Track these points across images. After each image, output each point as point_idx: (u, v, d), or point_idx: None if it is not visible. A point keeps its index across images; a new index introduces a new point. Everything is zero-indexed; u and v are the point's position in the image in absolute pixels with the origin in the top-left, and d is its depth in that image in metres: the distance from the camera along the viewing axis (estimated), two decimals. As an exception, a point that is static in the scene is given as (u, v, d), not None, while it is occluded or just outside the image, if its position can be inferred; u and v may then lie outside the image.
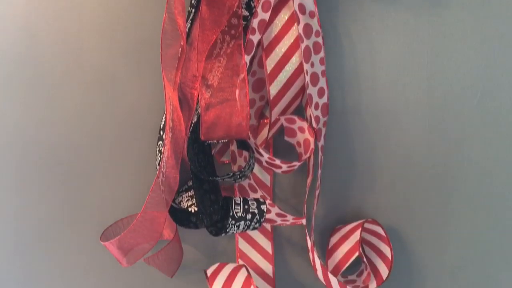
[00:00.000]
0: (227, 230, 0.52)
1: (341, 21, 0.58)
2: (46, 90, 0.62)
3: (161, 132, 0.58)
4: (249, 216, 0.53)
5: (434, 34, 0.57)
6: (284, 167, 0.54)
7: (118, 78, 0.61)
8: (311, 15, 0.54)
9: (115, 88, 0.61)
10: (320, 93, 0.56)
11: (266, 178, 0.61)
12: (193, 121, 0.53)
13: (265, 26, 0.53)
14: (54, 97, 0.62)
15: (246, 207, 0.53)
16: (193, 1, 0.55)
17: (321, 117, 0.56)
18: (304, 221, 0.55)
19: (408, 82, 0.58)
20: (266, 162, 0.54)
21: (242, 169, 0.52)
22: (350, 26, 0.58)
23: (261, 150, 0.52)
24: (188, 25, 0.55)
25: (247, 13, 0.55)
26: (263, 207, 0.54)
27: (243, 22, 0.54)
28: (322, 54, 0.55)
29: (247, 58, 0.52)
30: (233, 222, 0.52)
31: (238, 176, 0.52)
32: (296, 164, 0.54)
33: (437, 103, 0.59)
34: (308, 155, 0.54)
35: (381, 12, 0.58)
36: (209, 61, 0.51)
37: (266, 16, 0.53)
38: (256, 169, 0.60)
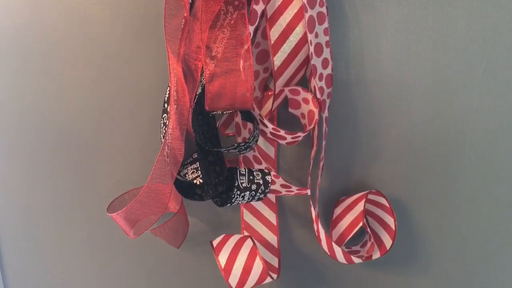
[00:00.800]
0: (233, 200, 0.52)
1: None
2: (51, 64, 0.62)
3: (165, 105, 0.58)
4: (254, 187, 0.53)
5: (439, 4, 0.57)
6: (289, 138, 0.54)
7: (122, 50, 0.60)
8: (315, -16, 0.53)
9: (119, 60, 0.61)
10: (324, 64, 0.55)
11: (271, 150, 0.61)
12: (198, 93, 0.53)
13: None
14: (58, 71, 0.62)
15: (251, 177, 0.53)
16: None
17: (325, 88, 0.56)
18: (308, 192, 0.56)
19: (412, 51, 0.58)
20: (271, 133, 0.54)
21: (247, 140, 0.52)
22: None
23: (265, 121, 0.52)
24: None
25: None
26: (268, 177, 0.54)
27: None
28: (326, 24, 0.55)
29: (251, 29, 0.52)
30: (238, 192, 0.52)
31: (243, 147, 0.52)
32: (301, 135, 0.54)
33: (442, 72, 0.58)
34: (312, 126, 0.54)
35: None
36: (212, 31, 0.51)
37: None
38: (261, 141, 0.60)
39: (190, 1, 0.54)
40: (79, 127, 0.64)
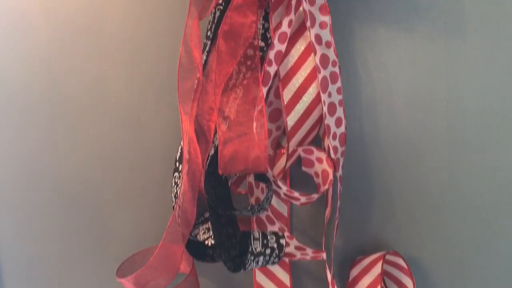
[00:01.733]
0: (246, 266, 0.51)
1: (357, 49, 0.58)
2: (65, 120, 0.62)
3: (177, 164, 0.57)
4: (268, 251, 0.51)
5: (451, 62, 0.57)
6: (303, 199, 0.53)
7: (137, 111, 0.60)
8: (328, 45, 0.54)
9: (133, 120, 0.61)
10: (338, 123, 0.55)
11: (284, 209, 0.60)
12: (210, 154, 0.53)
13: (281, 57, 0.53)
14: (70, 127, 0.62)
15: (265, 242, 0.52)
16: (208, 33, 0.55)
17: (339, 147, 0.55)
18: (324, 256, 0.54)
19: (426, 111, 0.57)
20: (284, 194, 0.53)
21: (260, 203, 0.51)
22: (366, 54, 0.58)
23: (279, 183, 0.51)
24: (204, 57, 0.54)
25: (262, 44, 0.55)
26: (282, 241, 0.52)
27: (259, 52, 0.54)
28: (339, 83, 0.55)
29: (264, 90, 0.52)
30: (252, 258, 0.51)
31: (256, 210, 0.51)
32: (315, 196, 0.53)
33: (457, 132, 0.57)
34: (326, 187, 0.53)
35: (397, 40, 0.57)
36: (225, 93, 0.50)
37: (283, 47, 0.52)
38: (274, 200, 0.59)
39: (203, 62, 0.54)
40: (89, 185, 0.63)
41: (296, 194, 0.52)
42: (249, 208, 0.51)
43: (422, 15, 0.57)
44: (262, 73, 0.51)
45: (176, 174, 0.57)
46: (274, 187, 0.53)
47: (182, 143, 0.52)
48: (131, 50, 0.59)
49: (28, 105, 0.62)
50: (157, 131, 0.60)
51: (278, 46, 0.52)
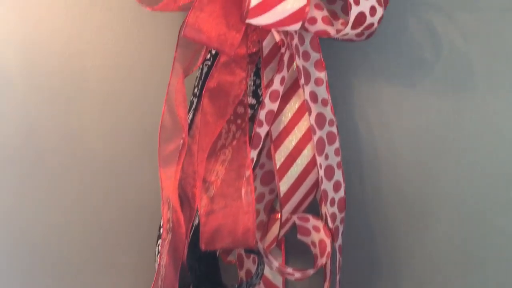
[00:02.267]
0: None
1: (357, 106, 0.53)
2: (42, 177, 0.57)
3: (161, 230, 0.52)
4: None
5: (460, 120, 0.52)
6: (297, 275, 0.48)
7: (118, 169, 0.56)
8: (324, 103, 0.49)
9: (114, 179, 0.56)
10: (336, 187, 0.50)
11: (279, 280, 0.54)
12: (195, 223, 0.48)
13: (273, 117, 0.48)
14: (52, 187, 0.57)
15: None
16: (195, 90, 0.51)
17: (337, 213, 0.50)
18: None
19: (433, 172, 0.53)
20: (277, 269, 0.48)
21: (250, 279, 0.46)
22: (367, 112, 0.53)
23: (270, 257, 0.46)
24: (190, 116, 0.50)
25: (254, 101, 0.51)
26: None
27: (249, 110, 0.50)
28: (337, 144, 0.50)
29: (253, 153, 0.47)
30: None
31: (245, 287, 0.46)
32: (311, 271, 0.47)
33: (468, 194, 0.52)
34: (324, 260, 0.48)
35: (400, 96, 0.53)
36: (212, 157, 0.46)
37: (275, 106, 0.48)
38: (267, 270, 0.54)
39: (189, 121, 0.50)
40: (69, 247, 0.58)
41: (289, 269, 0.47)
42: (236, 286, 0.45)
43: (427, 70, 0.52)
44: (252, 134, 0.47)
45: (159, 241, 0.52)
46: (266, 260, 0.48)
47: (162, 212, 0.47)
48: (113, 104, 0.55)
49: (2, 160, 0.58)
50: (139, 191, 0.55)
51: (270, 105, 0.47)
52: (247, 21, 0.39)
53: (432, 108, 0.53)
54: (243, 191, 0.44)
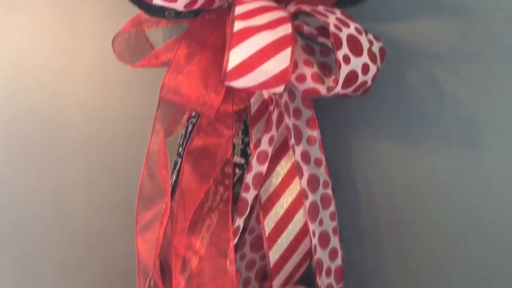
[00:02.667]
0: None
1: (355, 165, 0.49)
2: (28, 247, 0.54)
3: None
4: None
5: (468, 180, 0.47)
6: None
7: (99, 231, 0.52)
8: (317, 163, 0.46)
9: (101, 245, 0.52)
10: (332, 255, 0.46)
11: None
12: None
13: (261, 180, 0.44)
14: (35, 254, 0.54)
15: None
16: (180, 150, 0.47)
17: (334, 284, 0.46)
18: None
19: (440, 238, 0.48)
20: None
21: None
22: (366, 171, 0.49)
23: None
24: (174, 177, 0.47)
25: (243, 161, 0.47)
26: None
27: (238, 170, 0.46)
28: (332, 207, 0.46)
29: (240, 221, 0.43)
30: None
31: None
32: None
33: (479, 262, 0.47)
34: None
35: (401, 153, 0.49)
36: (195, 228, 0.42)
37: (263, 168, 0.44)
38: None
39: (172, 183, 0.46)
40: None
41: None
42: None
43: (430, 124, 0.48)
44: (238, 200, 0.43)
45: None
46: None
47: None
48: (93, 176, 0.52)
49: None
50: (121, 257, 0.51)
51: (257, 167, 0.44)
52: (226, 83, 0.36)
53: (436, 165, 0.48)
54: (223, 269, 0.40)
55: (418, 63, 0.49)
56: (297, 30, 0.41)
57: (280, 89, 0.35)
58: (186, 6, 0.39)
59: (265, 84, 0.35)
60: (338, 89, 0.38)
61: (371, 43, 0.43)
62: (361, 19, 0.47)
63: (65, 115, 0.53)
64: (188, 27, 0.41)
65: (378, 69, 0.43)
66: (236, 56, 0.34)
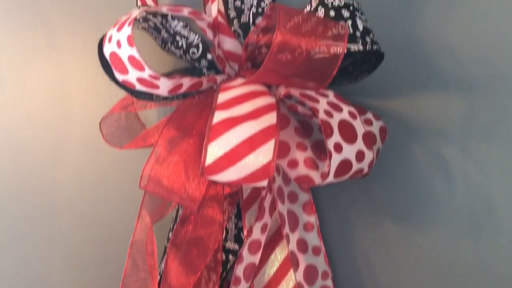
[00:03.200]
0: None
1: (357, 249, 0.45)
2: None
3: None
4: None
5: (476, 261, 0.43)
6: None
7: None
8: (316, 251, 0.42)
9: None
10: None
11: None
12: None
13: (254, 271, 0.41)
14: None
15: None
16: (169, 235, 0.45)
17: None
18: None
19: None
20: None
21: None
22: (369, 255, 0.45)
23: None
24: (163, 266, 0.44)
25: (236, 247, 0.44)
26: None
27: (232, 257, 0.43)
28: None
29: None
30: None
31: None
32: None
33: None
34: None
35: (409, 237, 0.45)
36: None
37: (255, 258, 0.41)
38: None
39: (161, 272, 0.43)
40: None
41: None
42: None
43: (440, 207, 0.45)
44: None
45: None
46: None
47: None
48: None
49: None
50: None
51: (249, 258, 0.41)
52: (208, 178, 0.33)
53: (448, 249, 0.44)
54: None
55: (425, 141, 0.46)
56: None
57: (263, 183, 0.33)
58: (170, 91, 0.37)
59: (248, 179, 0.33)
60: (331, 178, 0.35)
61: (369, 123, 0.41)
62: (362, 95, 0.45)
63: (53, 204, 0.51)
64: (174, 110, 0.39)
65: (377, 152, 0.40)
66: (214, 149, 0.32)
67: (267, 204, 0.41)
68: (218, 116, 0.33)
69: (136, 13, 0.34)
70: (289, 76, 0.34)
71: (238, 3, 0.42)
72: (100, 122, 0.43)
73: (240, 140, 0.32)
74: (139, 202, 0.43)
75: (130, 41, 0.33)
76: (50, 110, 0.48)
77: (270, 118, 0.33)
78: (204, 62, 0.42)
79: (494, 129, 0.44)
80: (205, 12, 0.43)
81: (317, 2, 0.38)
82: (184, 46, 0.42)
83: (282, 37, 0.31)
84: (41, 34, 0.48)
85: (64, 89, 0.48)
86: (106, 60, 0.36)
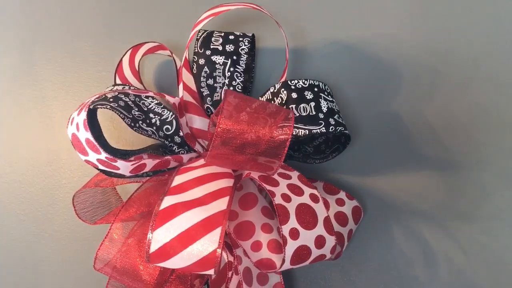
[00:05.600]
0: None
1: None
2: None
3: None
4: None
5: None
6: None
7: None
8: None
9: None
10: None
11: None
12: None
13: None
14: None
15: None
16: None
17: None
18: None
19: None
20: None
21: None
22: None
23: None
24: None
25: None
26: None
27: None
28: None
29: None
30: None
31: None
32: None
33: None
34: None
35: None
36: None
37: None
38: None
39: None
40: None
41: None
42: None
43: (421, 292, 0.42)
44: None
45: None
46: None
47: None
48: None
49: None
50: None
51: None
52: (153, 264, 0.33)
53: None
54: None
55: (405, 221, 0.43)
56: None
57: (210, 272, 0.32)
58: (132, 171, 0.37)
59: (194, 267, 0.32)
60: (287, 265, 0.34)
61: (341, 204, 0.40)
62: (340, 172, 0.44)
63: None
64: (136, 190, 0.39)
65: (350, 233, 0.38)
66: (159, 237, 0.31)
67: (233, 286, 0.39)
68: (167, 201, 0.33)
69: (92, 98, 0.35)
70: (238, 162, 0.33)
71: (210, 82, 0.43)
72: (73, 198, 0.44)
73: (187, 227, 0.31)
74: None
75: (85, 125, 0.34)
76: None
77: (221, 204, 0.32)
78: (176, 139, 0.42)
79: (474, 210, 0.42)
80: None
81: (279, 84, 0.39)
82: (158, 122, 0.42)
83: (225, 125, 0.31)
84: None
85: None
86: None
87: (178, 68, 0.45)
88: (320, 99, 0.38)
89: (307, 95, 0.38)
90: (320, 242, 0.35)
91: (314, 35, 0.45)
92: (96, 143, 0.34)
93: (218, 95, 0.44)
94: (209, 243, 0.31)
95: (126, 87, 0.43)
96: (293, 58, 0.46)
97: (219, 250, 0.31)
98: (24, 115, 0.49)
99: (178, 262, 0.32)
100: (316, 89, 0.38)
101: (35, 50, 0.49)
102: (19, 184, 0.49)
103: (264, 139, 0.32)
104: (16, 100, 0.49)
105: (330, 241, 0.35)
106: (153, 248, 0.31)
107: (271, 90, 0.39)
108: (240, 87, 0.43)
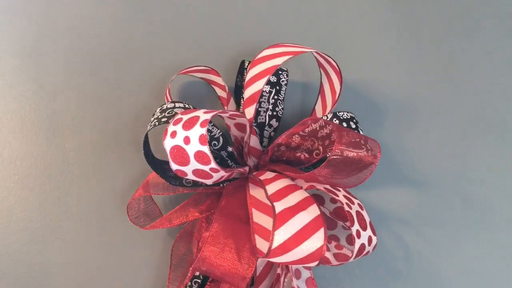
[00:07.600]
0: None
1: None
2: None
3: None
4: None
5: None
6: None
7: None
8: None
9: None
10: None
11: None
12: None
13: None
14: None
15: None
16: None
17: None
18: None
19: None
20: None
21: None
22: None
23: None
24: None
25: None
26: None
27: None
28: None
29: None
30: None
31: None
32: None
33: None
34: None
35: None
36: None
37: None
38: None
39: None
40: None
41: None
42: None
43: (402, 281, 0.55)
44: None
45: None
46: None
47: None
48: None
49: None
50: None
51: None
52: (268, 259, 0.39)
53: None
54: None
55: (391, 228, 0.56)
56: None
57: (313, 264, 0.39)
58: (214, 181, 0.43)
59: (301, 261, 0.39)
60: (351, 259, 0.43)
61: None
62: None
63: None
64: (220, 202, 0.45)
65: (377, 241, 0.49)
66: (279, 236, 0.38)
67: (282, 279, 0.47)
68: (278, 207, 0.39)
69: (208, 115, 0.40)
70: (332, 178, 0.42)
71: (256, 106, 0.51)
72: (127, 208, 0.47)
73: (299, 229, 0.39)
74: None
75: (203, 140, 0.39)
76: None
77: (315, 209, 0.41)
78: (223, 153, 0.48)
79: (442, 217, 0.57)
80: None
81: (331, 114, 0.48)
82: (208, 138, 0.48)
83: (339, 148, 0.40)
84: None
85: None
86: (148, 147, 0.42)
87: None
88: (359, 129, 0.49)
89: (351, 124, 0.48)
90: (369, 240, 0.45)
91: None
92: (210, 156, 0.39)
93: (262, 118, 0.51)
94: (317, 241, 0.39)
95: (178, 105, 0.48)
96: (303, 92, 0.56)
97: (324, 247, 0.39)
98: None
99: (291, 256, 0.39)
100: (355, 120, 0.49)
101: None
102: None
103: (357, 162, 0.41)
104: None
105: (374, 240, 0.46)
106: (275, 245, 0.38)
107: (324, 118, 0.48)
108: (281, 113, 0.52)
